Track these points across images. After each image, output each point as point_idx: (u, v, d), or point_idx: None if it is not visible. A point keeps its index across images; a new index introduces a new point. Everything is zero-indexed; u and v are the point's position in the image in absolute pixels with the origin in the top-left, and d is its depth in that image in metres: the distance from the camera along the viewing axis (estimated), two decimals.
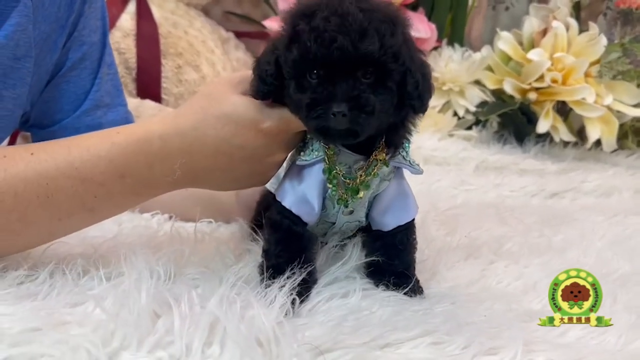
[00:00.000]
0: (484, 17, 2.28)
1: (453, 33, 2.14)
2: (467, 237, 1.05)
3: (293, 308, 0.69)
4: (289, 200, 0.75)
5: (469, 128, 1.95)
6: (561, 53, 1.77)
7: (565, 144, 1.88)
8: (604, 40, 1.77)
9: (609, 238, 1.12)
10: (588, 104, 1.73)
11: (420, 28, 1.90)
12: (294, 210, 0.74)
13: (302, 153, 0.76)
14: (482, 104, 1.93)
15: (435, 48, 2.05)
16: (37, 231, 0.74)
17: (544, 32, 1.84)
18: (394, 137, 0.74)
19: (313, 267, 0.75)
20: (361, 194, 0.74)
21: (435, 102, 1.93)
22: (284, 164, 0.80)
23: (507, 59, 1.88)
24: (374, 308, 0.71)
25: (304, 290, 0.72)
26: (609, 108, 1.76)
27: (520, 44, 1.88)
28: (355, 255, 0.81)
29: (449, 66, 1.96)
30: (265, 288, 0.70)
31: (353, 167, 0.74)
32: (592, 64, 1.78)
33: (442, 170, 1.68)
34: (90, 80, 1.00)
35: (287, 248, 0.75)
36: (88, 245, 0.85)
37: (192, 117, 0.74)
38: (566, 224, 1.23)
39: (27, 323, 0.60)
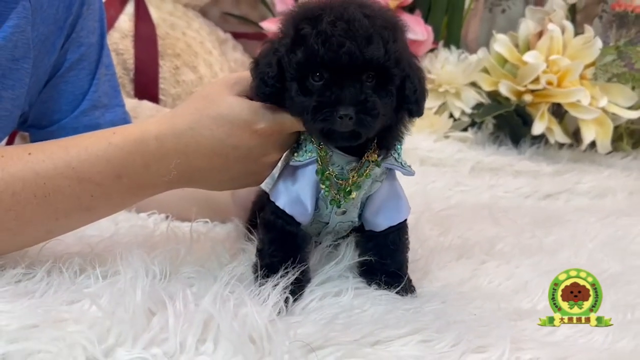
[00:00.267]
0: (480, 19, 2.29)
1: (449, 35, 2.16)
2: (459, 238, 1.06)
3: (286, 306, 0.70)
4: (282, 200, 0.76)
5: (465, 129, 1.96)
6: (557, 55, 1.78)
7: (561, 145, 1.89)
8: (599, 43, 1.78)
9: (600, 239, 1.13)
10: (583, 106, 1.74)
11: (417, 30, 1.91)
12: (287, 211, 0.75)
13: (295, 154, 0.77)
14: (478, 106, 1.93)
15: (431, 50, 2.05)
16: (35, 230, 0.75)
17: (540, 35, 1.85)
18: (386, 139, 0.75)
19: (306, 266, 0.76)
20: (353, 194, 0.75)
21: (431, 103, 1.94)
22: (279, 165, 0.81)
23: (503, 61, 1.89)
24: (366, 306, 0.72)
25: (297, 289, 0.73)
26: (603, 110, 1.77)
27: (516, 46, 1.88)
28: (348, 254, 0.82)
29: (445, 68, 1.97)
30: (259, 287, 0.71)
31: (345, 168, 0.75)
32: (587, 66, 1.79)
33: (438, 171, 1.69)
34: (88, 81, 1.02)
35: (280, 247, 0.76)
36: (85, 244, 0.86)
37: (188, 117, 0.75)
38: (559, 225, 1.24)
39: (25, 320, 0.60)
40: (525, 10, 1.97)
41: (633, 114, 1.79)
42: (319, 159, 0.75)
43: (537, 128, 1.78)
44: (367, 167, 0.75)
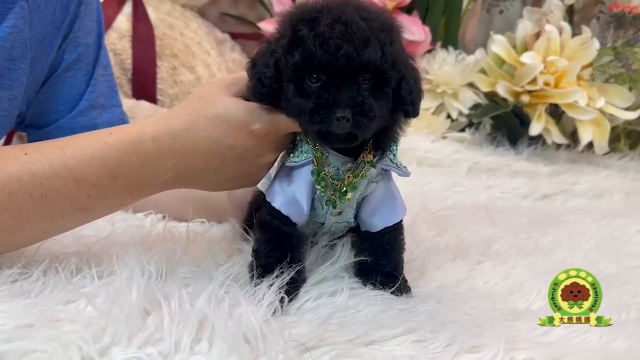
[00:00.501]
0: (478, 20, 2.30)
1: (447, 36, 2.16)
2: (456, 238, 1.06)
3: (282, 306, 0.70)
4: (278, 201, 0.76)
5: (463, 130, 1.96)
6: (554, 56, 1.78)
7: (558, 146, 1.89)
8: (596, 44, 1.79)
9: (596, 240, 1.13)
10: (580, 107, 1.74)
11: (415, 31, 1.92)
12: (283, 211, 0.76)
13: (291, 155, 0.77)
14: (476, 107, 1.94)
15: (429, 51, 2.06)
16: (31, 230, 0.75)
17: (538, 36, 1.86)
18: (382, 140, 0.75)
19: (302, 266, 0.77)
20: (349, 195, 0.76)
21: (429, 104, 1.94)
22: (275, 165, 0.81)
23: (501, 62, 1.89)
24: (361, 307, 0.72)
25: (292, 289, 0.73)
26: (601, 111, 1.77)
27: (514, 47, 1.89)
28: (344, 255, 0.82)
29: (443, 69, 1.97)
30: (255, 287, 0.71)
31: (341, 169, 0.75)
32: (585, 67, 1.79)
33: (436, 172, 1.69)
34: (85, 82, 1.02)
35: (276, 248, 0.76)
36: (82, 244, 0.86)
37: (185, 118, 0.75)
38: (556, 225, 1.24)
39: (21, 320, 0.61)
40: (522, 12, 1.97)
41: (630, 115, 1.80)
42: (315, 160, 0.75)
43: (535, 129, 1.78)
44: (363, 168, 0.75)
